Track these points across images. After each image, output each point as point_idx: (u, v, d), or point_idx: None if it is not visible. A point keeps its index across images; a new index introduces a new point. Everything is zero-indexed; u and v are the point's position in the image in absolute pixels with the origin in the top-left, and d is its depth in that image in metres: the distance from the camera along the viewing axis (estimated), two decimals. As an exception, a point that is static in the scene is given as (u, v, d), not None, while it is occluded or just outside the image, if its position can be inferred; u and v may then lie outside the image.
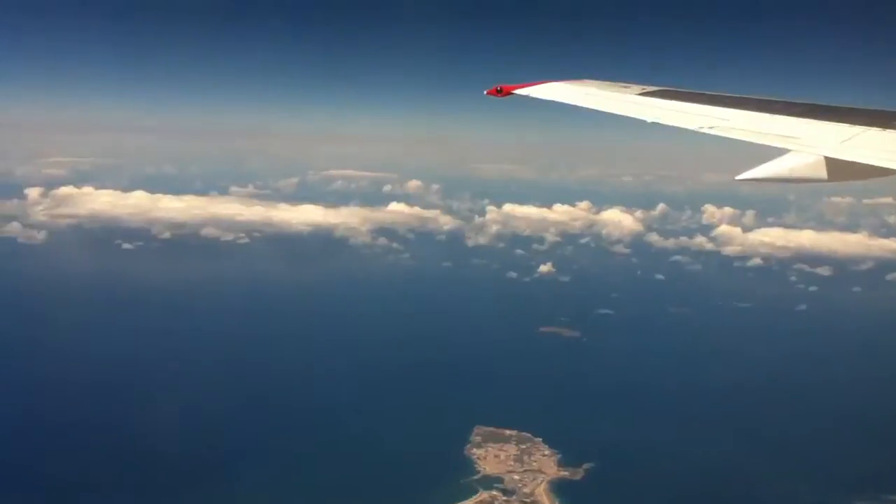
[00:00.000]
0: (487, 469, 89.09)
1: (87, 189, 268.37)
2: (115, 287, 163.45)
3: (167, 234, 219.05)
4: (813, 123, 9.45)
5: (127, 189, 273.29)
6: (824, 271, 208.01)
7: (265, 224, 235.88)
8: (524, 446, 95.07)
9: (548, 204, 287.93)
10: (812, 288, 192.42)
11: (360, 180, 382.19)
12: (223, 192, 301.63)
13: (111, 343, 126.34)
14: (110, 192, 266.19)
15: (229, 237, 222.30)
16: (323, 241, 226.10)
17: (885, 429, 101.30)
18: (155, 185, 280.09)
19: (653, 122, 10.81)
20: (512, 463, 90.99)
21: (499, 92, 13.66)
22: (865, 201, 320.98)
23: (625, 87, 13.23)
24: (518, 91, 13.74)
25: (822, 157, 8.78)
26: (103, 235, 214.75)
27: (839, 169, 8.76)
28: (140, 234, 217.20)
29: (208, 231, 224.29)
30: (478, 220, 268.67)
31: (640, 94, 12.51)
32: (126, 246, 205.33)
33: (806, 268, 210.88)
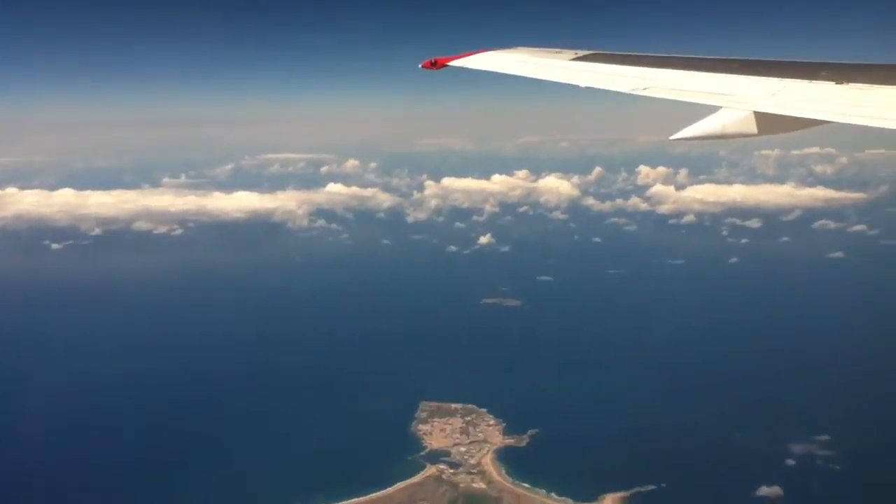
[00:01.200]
0: (434, 444, 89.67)
1: (11, 190, 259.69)
2: (44, 288, 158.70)
3: (97, 231, 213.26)
4: (742, 79, 9.53)
5: (54, 188, 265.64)
6: (754, 224, 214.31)
7: (199, 214, 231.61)
8: (469, 418, 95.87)
9: (486, 175, 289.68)
10: (743, 240, 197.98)
11: (296, 163, 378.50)
12: (155, 184, 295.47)
13: (43, 347, 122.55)
14: (36, 192, 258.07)
15: (162, 229, 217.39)
16: (260, 227, 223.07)
17: (816, 368, 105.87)
18: (83, 181, 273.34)
19: (586, 87, 10.84)
20: (458, 436, 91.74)
21: (433, 64, 13.52)
22: (794, 152, 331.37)
23: (557, 52, 13.20)
24: (452, 63, 13.62)
25: (752, 113, 9.02)
26: (30, 237, 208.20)
27: (768, 122, 9.06)
28: (69, 232, 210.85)
29: (140, 225, 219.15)
30: (416, 195, 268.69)
31: (573, 59, 12.51)
32: (55, 246, 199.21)
33: (737, 221, 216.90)
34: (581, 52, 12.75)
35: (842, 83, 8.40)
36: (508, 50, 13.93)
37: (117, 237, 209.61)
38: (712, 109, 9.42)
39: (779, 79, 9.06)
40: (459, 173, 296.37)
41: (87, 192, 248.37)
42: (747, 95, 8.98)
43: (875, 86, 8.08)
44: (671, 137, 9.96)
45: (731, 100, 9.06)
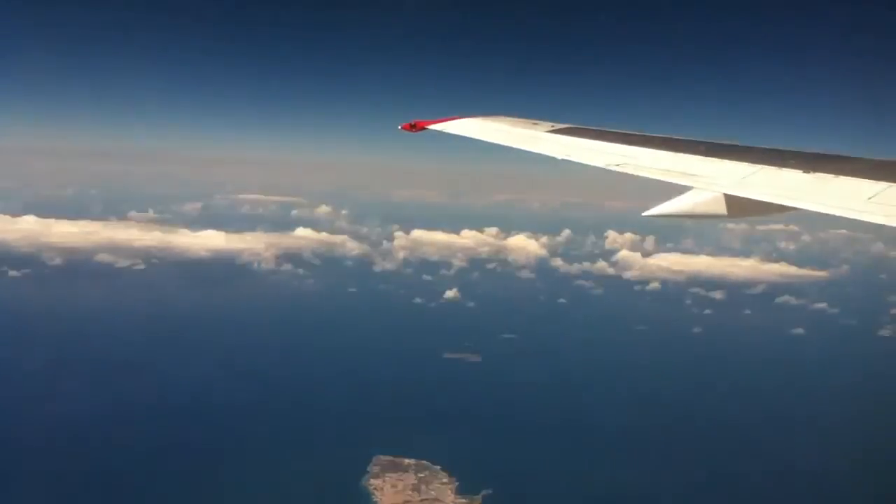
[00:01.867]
0: (384, 500, 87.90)
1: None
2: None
3: (58, 261, 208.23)
4: (713, 161, 9.75)
5: (17, 213, 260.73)
6: (718, 295, 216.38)
7: (164, 250, 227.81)
8: (423, 475, 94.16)
9: (457, 229, 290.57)
10: (706, 311, 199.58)
11: (267, 205, 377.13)
12: (122, 216, 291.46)
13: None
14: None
15: (125, 263, 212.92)
16: (224, 268, 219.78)
17: (772, 441, 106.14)
18: (49, 209, 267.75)
19: (562, 159, 11.17)
20: (409, 493, 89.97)
21: (412, 127, 13.83)
22: (759, 227, 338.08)
23: (534, 123, 13.45)
24: (432, 126, 13.90)
25: (722, 194, 9.23)
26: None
27: (737, 205, 9.25)
28: (29, 260, 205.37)
29: (102, 257, 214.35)
30: (385, 245, 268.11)
31: (550, 132, 12.79)
32: (13, 273, 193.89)
33: (701, 291, 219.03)
34: (557, 126, 13.02)
35: (809, 171, 8.70)
36: (486, 118, 14.20)
37: (78, 268, 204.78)
38: (684, 188, 9.61)
39: (749, 164, 9.31)
40: (431, 226, 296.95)
41: (51, 221, 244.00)
42: (718, 178, 9.21)
43: (840, 176, 8.38)
44: (643, 214, 10.19)
45: (703, 181, 9.30)
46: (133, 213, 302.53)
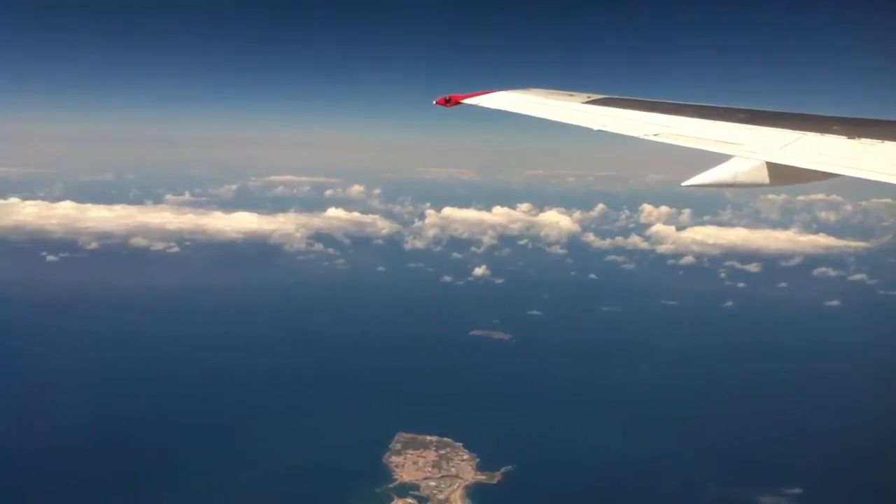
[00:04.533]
0: (404, 476, 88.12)
1: (13, 200, 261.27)
2: (36, 300, 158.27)
3: (94, 245, 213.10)
4: (754, 129, 9.67)
5: (57, 199, 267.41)
6: (754, 268, 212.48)
7: (197, 232, 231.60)
8: (444, 452, 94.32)
9: (488, 207, 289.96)
10: (741, 284, 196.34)
11: (301, 185, 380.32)
12: (158, 200, 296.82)
13: (32, 355, 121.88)
14: (37, 203, 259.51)
15: (159, 246, 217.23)
16: (256, 249, 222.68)
17: (802, 422, 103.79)
18: (87, 194, 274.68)
19: (598, 131, 10.97)
20: (430, 469, 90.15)
21: (447, 102, 13.79)
22: (799, 198, 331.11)
23: (570, 95, 13.37)
24: (466, 101, 13.86)
25: (764, 162, 9.06)
26: (27, 247, 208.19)
27: (779, 173, 9.07)
28: (66, 245, 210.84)
29: (137, 241, 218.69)
30: (417, 224, 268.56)
31: (586, 102, 12.67)
32: (51, 258, 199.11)
33: (737, 265, 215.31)
34: (594, 96, 12.93)
35: (853, 137, 8.60)
36: (522, 91, 14.15)
37: (113, 252, 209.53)
38: (723, 157, 9.45)
39: (791, 131, 9.22)
40: (463, 203, 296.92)
41: (88, 206, 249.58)
42: (760, 146, 9.14)
43: (885, 141, 8.26)
44: (683, 184, 10.03)
45: (744, 149, 9.20)
46: (169, 197, 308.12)
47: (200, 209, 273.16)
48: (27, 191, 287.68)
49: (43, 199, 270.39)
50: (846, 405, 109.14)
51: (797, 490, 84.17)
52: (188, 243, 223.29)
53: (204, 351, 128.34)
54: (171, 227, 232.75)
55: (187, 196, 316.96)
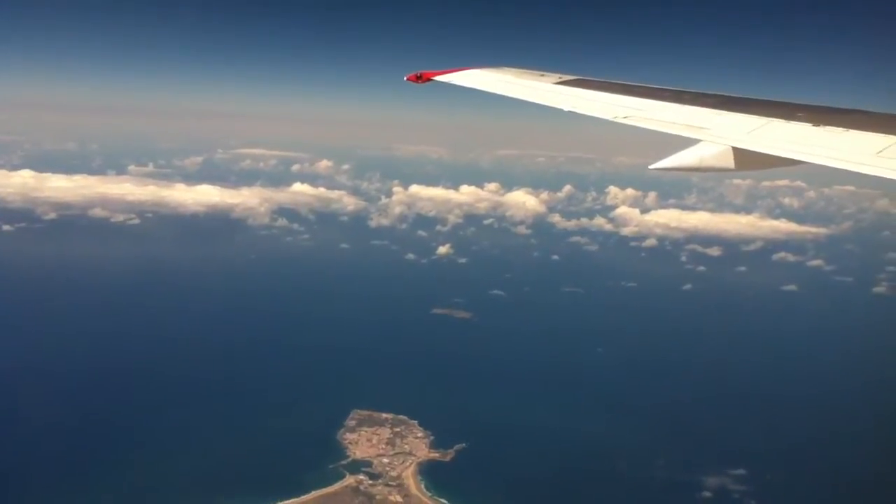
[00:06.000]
0: (358, 453, 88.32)
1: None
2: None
3: (52, 215, 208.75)
4: (722, 114, 9.81)
5: (16, 168, 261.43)
6: (714, 252, 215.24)
7: (158, 205, 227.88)
8: (398, 429, 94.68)
9: (456, 185, 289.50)
10: (700, 268, 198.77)
11: (268, 159, 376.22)
12: (121, 171, 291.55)
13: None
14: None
15: (119, 218, 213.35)
16: (218, 222, 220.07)
17: (755, 405, 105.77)
18: (49, 163, 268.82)
19: (569, 111, 11.12)
20: (383, 446, 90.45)
21: (419, 78, 13.87)
22: (764, 183, 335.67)
23: (542, 75, 13.40)
24: (438, 78, 13.90)
25: (730, 148, 9.11)
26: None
27: (745, 158, 9.14)
28: (23, 215, 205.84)
29: (96, 212, 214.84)
30: (383, 201, 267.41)
31: (557, 83, 12.71)
32: (6, 227, 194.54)
33: (698, 248, 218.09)
34: (565, 77, 12.99)
35: (818, 125, 8.73)
36: (494, 69, 14.13)
37: (72, 223, 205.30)
38: (691, 141, 9.52)
39: (758, 117, 9.36)
40: (431, 181, 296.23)
41: (47, 175, 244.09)
42: (727, 131, 9.29)
43: (849, 130, 8.37)
44: (650, 167, 10.00)
45: (711, 134, 9.34)
46: (133, 168, 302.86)
47: (164, 181, 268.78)
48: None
49: (1, 167, 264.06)
50: (799, 389, 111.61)
51: (741, 471, 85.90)
52: (149, 215, 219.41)
53: (159, 326, 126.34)
54: (131, 198, 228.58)
55: (151, 167, 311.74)
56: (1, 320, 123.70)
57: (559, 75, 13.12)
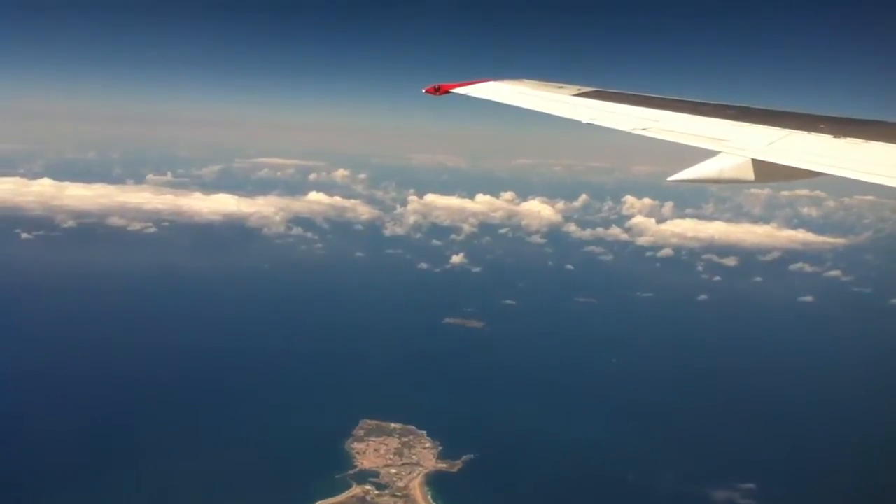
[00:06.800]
0: (365, 463, 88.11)
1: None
2: (9, 275, 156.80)
3: (70, 224, 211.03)
4: (742, 126, 9.74)
5: (37, 176, 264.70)
6: (731, 262, 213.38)
7: (175, 213, 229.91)
8: (406, 439, 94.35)
9: (472, 194, 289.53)
10: (716, 278, 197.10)
11: (286, 168, 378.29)
12: (140, 180, 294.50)
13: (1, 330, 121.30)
14: (15, 179, 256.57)
15: (136, 227, 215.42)
16: (234, 231, 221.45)
17: (768, 417, 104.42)
18: (69, 172, 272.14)
19: (587, 123, 11.11)
20: (391, 457, 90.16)
21: (437, 90, 13.87)
22: (783, 193, 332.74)
23: (560, 87, 13.47)
24: (456, 90, 13.93)
25: (750, 159, 9.06)
26: (1, 224, 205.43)
27: (765, 170, 9.07)
28: (42, 223, 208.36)
29: (114, 220, 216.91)
30: (398, 210, 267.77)
31: (576, 95, 12.78)
32: (25, 235, 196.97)
33: (714, 258, 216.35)
34: (584, 89, 13.01)
35: (839, 136, 8.64)
36: (512, 81, 14.18)
37: (89, 231, 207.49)
38: (710, 152, 9.48)
39: (778, 128, 9.29)
40: (447, 190, 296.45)
41: (66, 184, 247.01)
42: (746, 143, 9.22)
43: (870, 141, 8.32)
44: (669, 179, 9.99)
45: (731, 146, 9.26)
46: (151, 176, 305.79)
47: (181, 190, 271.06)
48: (7, 167, 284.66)
49: (22, 175, 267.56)
50: (814, 401, 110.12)
51: (750, 485, 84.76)
52: (165, 224, 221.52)
53: (174, 333, 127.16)
54: (148, 207, 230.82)
55: (169, 176, 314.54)
56: (19, 327, 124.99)
57: (577, 87, 13.19)
